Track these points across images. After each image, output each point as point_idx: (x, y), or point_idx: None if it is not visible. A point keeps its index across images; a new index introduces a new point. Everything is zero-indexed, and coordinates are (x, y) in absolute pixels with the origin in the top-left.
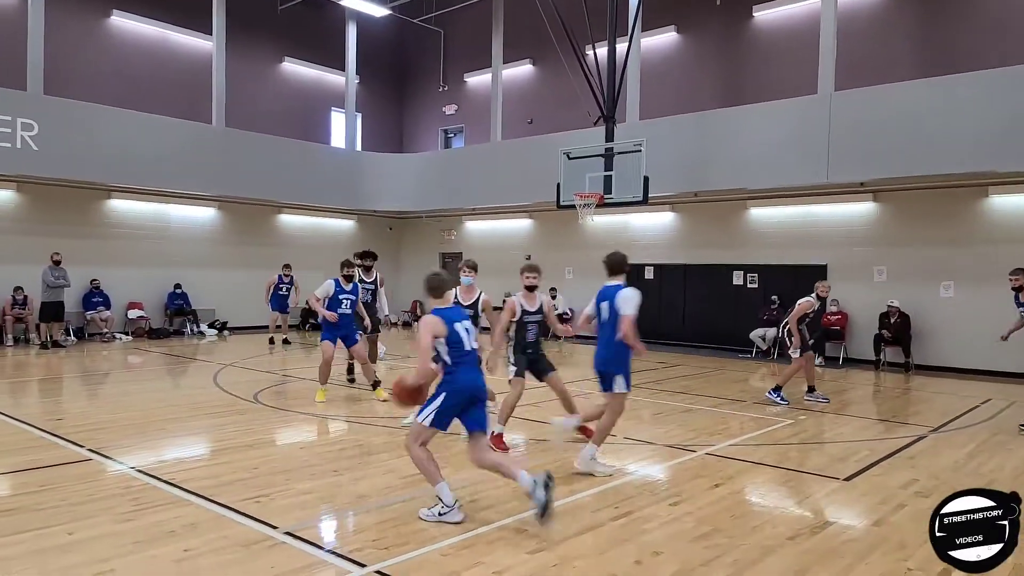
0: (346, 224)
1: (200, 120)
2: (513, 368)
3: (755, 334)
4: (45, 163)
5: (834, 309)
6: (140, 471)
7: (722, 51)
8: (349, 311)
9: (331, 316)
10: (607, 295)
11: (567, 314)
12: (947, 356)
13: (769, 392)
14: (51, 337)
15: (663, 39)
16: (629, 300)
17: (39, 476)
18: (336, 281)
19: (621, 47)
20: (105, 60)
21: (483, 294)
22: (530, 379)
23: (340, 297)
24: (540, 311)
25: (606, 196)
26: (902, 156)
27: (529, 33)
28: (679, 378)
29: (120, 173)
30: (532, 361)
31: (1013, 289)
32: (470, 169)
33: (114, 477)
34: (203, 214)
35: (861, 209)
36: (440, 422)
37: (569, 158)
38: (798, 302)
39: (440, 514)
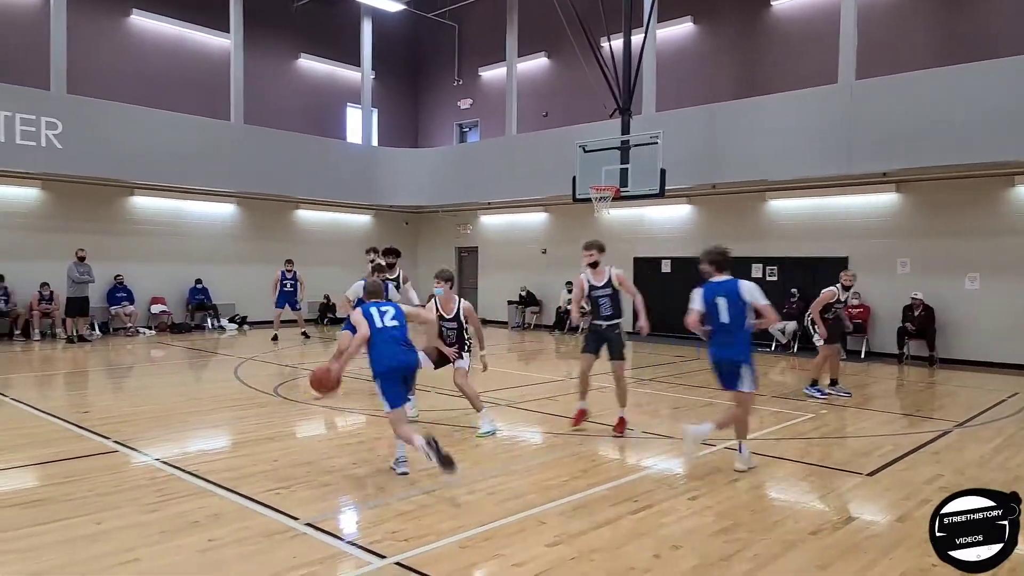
0: (363, 219)
1: (218, 117)
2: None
3: (775, 327)
4: (69, 161)
5: (856, 302)
6: (164, 462)
7: (739, 41)
8: None
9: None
10: (719, 291)
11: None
12: (972, 350)
13: (805, 388)
14: (76, 332)
15: (679, 30)
16: (757, 290)
17: (67, 467)
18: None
19: (637, 38)
20: (125, 59)
21: (463, 301)
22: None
23: None
24: (609, 284)
25: (622, 189)
26: (926, 146)
27: (544, 26)
28: (697, 372)
29: (141, 170)
30: (604, 340)
31: None
32: (485, 163)
33: (139, 468)
34: (222, 210)
35: (883, 200)
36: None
37: (585, 151)
38: (822, 292)
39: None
